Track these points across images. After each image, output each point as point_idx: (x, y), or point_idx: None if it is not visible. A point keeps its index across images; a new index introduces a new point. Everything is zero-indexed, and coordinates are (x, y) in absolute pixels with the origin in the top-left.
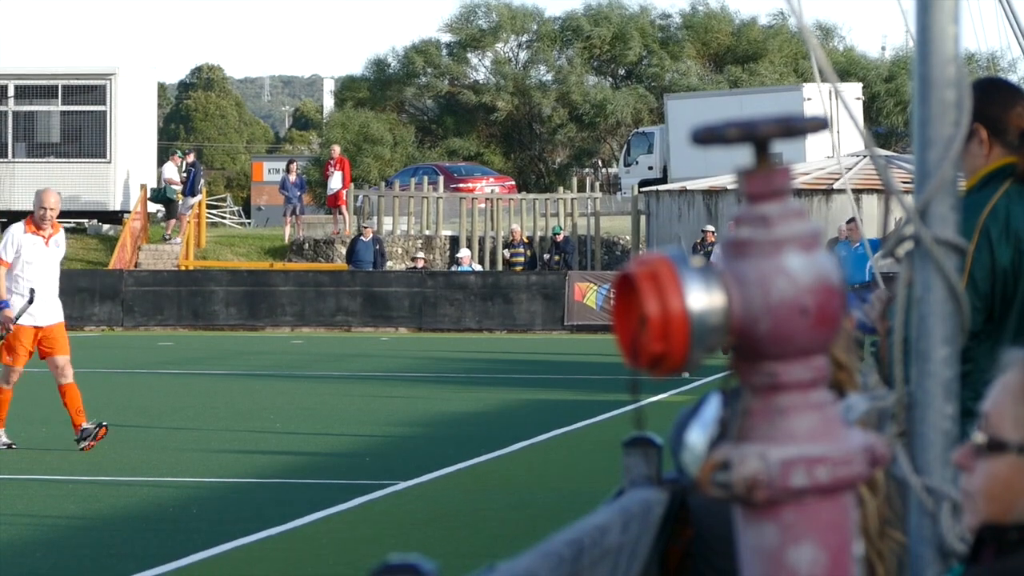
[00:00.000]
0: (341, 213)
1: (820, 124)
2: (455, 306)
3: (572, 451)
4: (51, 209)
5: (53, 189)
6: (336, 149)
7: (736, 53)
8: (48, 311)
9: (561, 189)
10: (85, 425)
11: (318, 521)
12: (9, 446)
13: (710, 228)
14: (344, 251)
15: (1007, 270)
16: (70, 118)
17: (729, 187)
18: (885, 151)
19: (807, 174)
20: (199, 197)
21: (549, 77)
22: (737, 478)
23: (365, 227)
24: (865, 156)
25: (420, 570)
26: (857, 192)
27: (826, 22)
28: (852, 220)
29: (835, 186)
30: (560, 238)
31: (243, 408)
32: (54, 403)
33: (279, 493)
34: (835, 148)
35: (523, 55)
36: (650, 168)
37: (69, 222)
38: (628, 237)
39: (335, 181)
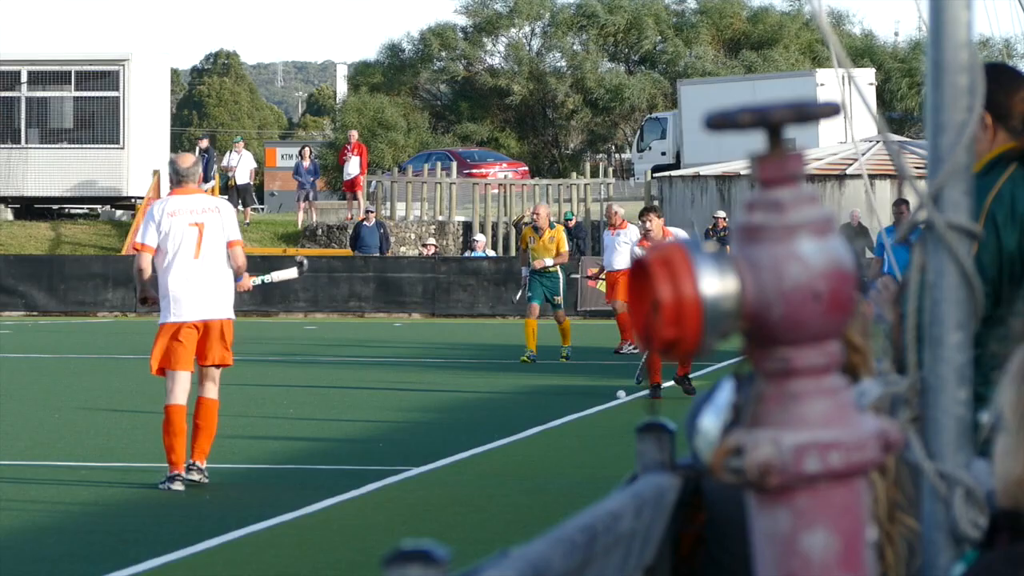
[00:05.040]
0: (356, 198)
1: (833, 110)
2: (468, 292)
3: (585, 437)
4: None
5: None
6: (354, 134)
7: (751, 39)
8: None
9: (574, 175)
10: None
11: (331, 507)
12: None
13: (721, 214)
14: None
15: (1014, 254)
16: (83, 104)
17: (742, 172)
18: (898, 136)
19: (820, 159)
20: (212, 183)
21: (564, 63)
22: (750, 463)
23: (369, 212)
24: (878, 141)
25: (433, 556)
26: (870, 177)
27: (839, 8)
28: (903, 202)
29: (850, 171)
30: (573, 224)
31: (256, 394)
32: (66, 388)
33: (292, 479)
34: (848, 134)
35: (536, 42)
36: (663, 154)
37: (82, 208)
38: None
39: (352, 166)
